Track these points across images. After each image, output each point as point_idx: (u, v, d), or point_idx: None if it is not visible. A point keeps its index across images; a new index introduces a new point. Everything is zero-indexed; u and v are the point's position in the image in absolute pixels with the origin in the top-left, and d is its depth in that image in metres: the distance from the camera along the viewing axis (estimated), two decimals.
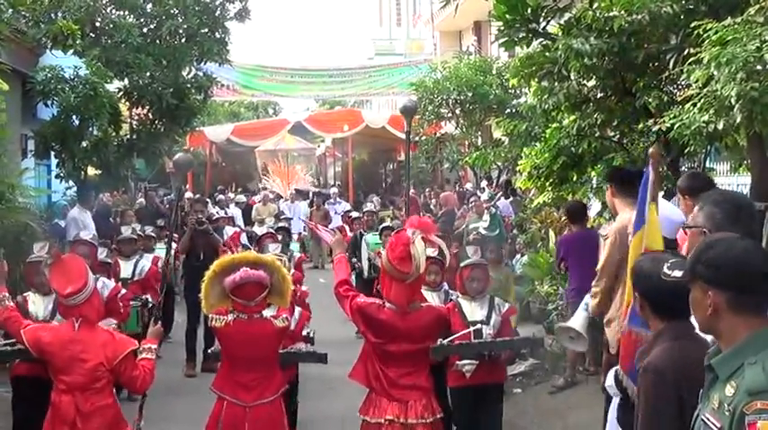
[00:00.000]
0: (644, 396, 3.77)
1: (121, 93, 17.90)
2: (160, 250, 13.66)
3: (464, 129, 23.33)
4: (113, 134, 17.66)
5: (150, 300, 11.48)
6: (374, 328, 6.18)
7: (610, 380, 5.06)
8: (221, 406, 6.57)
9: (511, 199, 19.25)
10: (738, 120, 6.39)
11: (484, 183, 22.49)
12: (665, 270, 3.71)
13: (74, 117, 15.61)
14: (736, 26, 6.52)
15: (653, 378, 3.73)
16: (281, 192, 30.22)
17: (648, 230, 4.94)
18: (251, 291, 6.49)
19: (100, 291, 8.88)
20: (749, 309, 3.20)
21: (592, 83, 9.85)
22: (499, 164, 20.82)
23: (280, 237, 12.48)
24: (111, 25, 17.62)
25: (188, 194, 24.45)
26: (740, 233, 4.10)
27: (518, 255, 14.81)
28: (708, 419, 3.18)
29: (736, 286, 3.19)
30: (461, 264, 7.84)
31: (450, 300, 7.79)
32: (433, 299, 7.91)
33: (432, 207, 24.51)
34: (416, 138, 25.95)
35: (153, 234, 13.77)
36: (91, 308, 6.20)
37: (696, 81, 6.77)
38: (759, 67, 6.16)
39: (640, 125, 9.29)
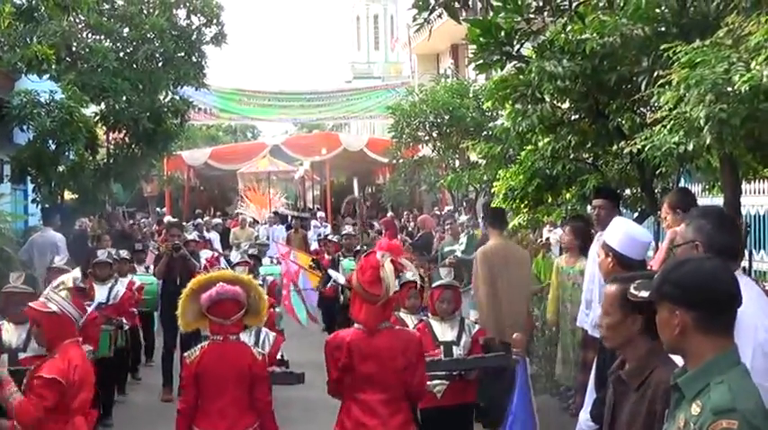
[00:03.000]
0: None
1: (98, 117, 17.85)
2: (141, 277, 13.69)
3: (441, 152, 23.37)
4: (90, 158, 17.60)
5: (125, 322, 11.48)
6: (344, 351, 6.17)
7: (585, 415, 5.04)
8: None
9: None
10: (708, 141, 6.43)
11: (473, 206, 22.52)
12: (632, 290, 3.72)
13: (50, 141, 15.55)
14: (705, 48, 6.58)
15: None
16: (256, 216, 30.24)
17: None
18: (227, 308, 6.51)
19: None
20: (716, 329, 3.21)
21: (566, 105, 9.91)
22: (476, 186, 20.86)
23: (252, 263, 12.46)
24: (87, 50, 17.56)
25: (167, 218, 24.45)
26: (731, 242, 4.16)
27: None
28: None
29: (704, 306, 3.21)
30: (432, 286, 7.87)
31: (421, 320, 7.79)
32: (412, 322, 7.93)
33: (410, 229, 24.52)
34: (394, 161, 26.04)
35: (127, 257, 13.73)
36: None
37: (666, 103, 6.81)
38: (728, 89, 6.20)
39: (614, 147, 9.34)
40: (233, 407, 6.54)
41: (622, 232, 5.66)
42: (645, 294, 3.60)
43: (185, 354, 6.77)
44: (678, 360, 3.47)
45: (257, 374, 6.65)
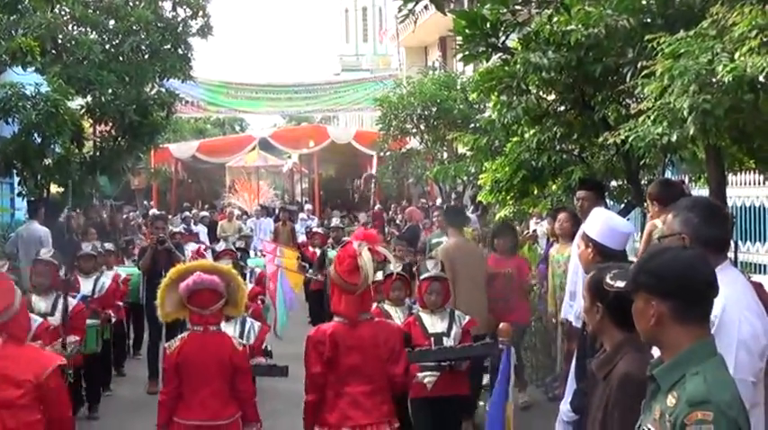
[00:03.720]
0: (624, 406, 3.75)
1: (84, 110, 17.77)
2: (125, 269, 13.64)
3: (428, 145, 23.36)
4: (76, 151, 17.52)
5: (112, 314, 11.46)
6: (327, 344, 6.15)
7: (566, 406, 5.03)
8: (176, 429, 6.54)
9: (478, 213, 19.27)
10: (692, 132, 6.43)
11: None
12: (608, 280, 3.70)
13: (35, 134, 15.44)
14: (688, 39, 6.58)
15: (634, 387, 3.68)
16: (246, 207, 30.20)
17: None
18: (206, 298, 6.52)
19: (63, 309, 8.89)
20: (692, 319, 3.19)
21: (551, 97, 9.91)
22: (464, 179, 20.86)
23: (239, 255, 12.43)
24: (73, 42, 17.49)
25: (152, 211, 24.40)
26: (718, 234, 4.14)
27: None
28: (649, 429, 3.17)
29: (680, 296, 3.18)
30: (420, 278, 7.85)
31: (411, 313, 7.78)
32: (396, 314, 7.94)
33: (398, 222, 24.51)
34: (382, 154, 26.01)
35: (112, 249, 13.67)
36: (17, 325, 6.04)
37: (650, 93, 6.81)
38: (711, 80, 6.21)
39: (600, 138, 9.33)
40: (214, 397, 6.54)
41: (602, 223, 5.65)
42: (621, 284, 3.58)
43: (165, 345, 6.78)
44: (655, 352, 3.46)
45: (238, 365, 6.65)
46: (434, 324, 7.60)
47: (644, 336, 3.36)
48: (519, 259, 10.70)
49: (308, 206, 30.65)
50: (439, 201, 24.37)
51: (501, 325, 6.07)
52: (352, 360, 6.12)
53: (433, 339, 7.44)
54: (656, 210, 7.24)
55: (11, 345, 5.87)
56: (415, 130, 23.39)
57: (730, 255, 8.87)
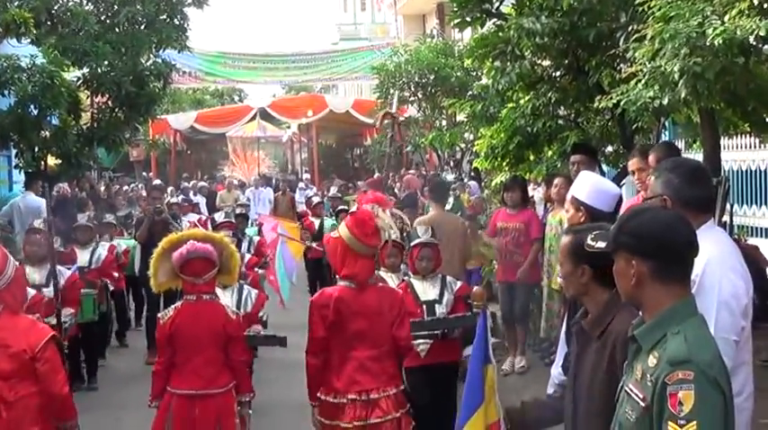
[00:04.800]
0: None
1: (80, 81, 17.70)
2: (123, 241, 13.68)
3: (426, 113, 23.30)
4: (73, 123, 17.46)
5: (110, 283, 11.50)
6: (332, 309, 6.17)
7: (558, 369, 5.05)
8: (169, 398, 6.61)
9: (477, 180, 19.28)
10: (683, 95, 6.43)
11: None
12: (589, 241, 3.72)
13: (32, 106, 15.41)
14: (679, 2, 6.55)
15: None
16: (244, 178, 30.17)
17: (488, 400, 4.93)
18: (199, 266, 6.55)
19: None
20: (673, 278, 3.21)
21: (546, 62, 9.90)
22: (462, 146, 20.83)
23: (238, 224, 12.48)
24: (68, 13, 17.35)
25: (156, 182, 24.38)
26: (700, 194, 4.15)
27: None
28: (631, 390, 3.19)
29: (660, 255, 3.20)
30: (411, 244, 7.87)
31: (403, 280, 7.81)
32: (391, 280, 7.96)
33: (396, 190, 24.48)
34: (375, 124, 25.93)
35: (112, 221, 13.70)
36: (9, 294, 6.00)
37: (642, 57, 6.81)
38: (702, 43, 6.19)
39: (594, 103, 9.33)
40: (208, 366, 6.58)
41: (590, 185, 5.68)
42: (602, 245, 3.60)
43: (159, 315, 6.80)
44: None
45: (231, 333, 6.69)
46: (426, 291, 7.63)
47: (625, 296, 3.38)
48: (529, 213, 10.55)
49: (306, 175, 30.64)
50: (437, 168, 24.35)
51: (474, 289, 6.09)
52: (359, 325, 6.16)
53: (425, 307, 7.46)
54: None
55: (5, 316, 5.84)
56: (412, 98, 23.33)
57: (726, 218, 8.96)
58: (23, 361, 5.73)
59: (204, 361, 6.57)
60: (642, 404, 3.10)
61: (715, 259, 3.77)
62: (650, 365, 3.11)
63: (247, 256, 11.17)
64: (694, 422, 2.92)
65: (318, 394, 6.27)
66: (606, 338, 3.91)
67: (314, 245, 14.87)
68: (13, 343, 5.73)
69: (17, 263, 6.16)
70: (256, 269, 11.58)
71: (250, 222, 17.51)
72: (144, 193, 23.36)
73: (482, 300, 5.52)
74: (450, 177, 21.01)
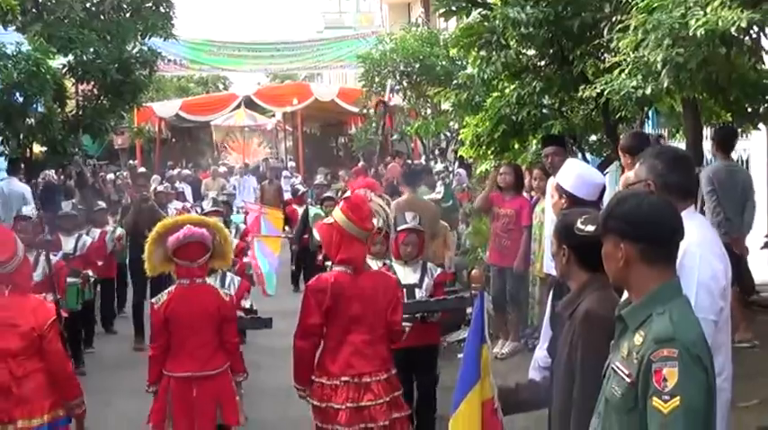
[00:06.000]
0: (586, 341, 3.91)
1: (66, 68, 17.71)
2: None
3: (411, 101, 23.35)
4: (59, 110, 17.48)
5: (92, 274, 11.52)
6: (328, 294, 6.23)
7: (542, 352, 5.14)
8: (167, 382, 6.68)
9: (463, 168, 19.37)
10: (666, 84, 6.54)
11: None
12: (579, 225, 3.82)
13: (17, 94, 15.44)
14: None
15: (596, 323, 3.86)
16: (238, 166, 30.17)
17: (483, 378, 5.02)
18: (193, 251, 6.63)
19: (45, 266, 8.95)
20: (659, 261, 3.34)
21: (530, 52, 9.98)
22: (447, 134, 20.89)
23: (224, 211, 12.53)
24: (54, 0, 17.42)
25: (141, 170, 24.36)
26: (684, 181, 4.26)
27: (462, 225, 14.90)
28: (618, 367, 3.30)
29: (647, 239, 3.32)
30: (398, 229, 7.95)
31: (385, 264, 7.90)
32: (377, 267, 8.03)
33: (381, 180, 24.51)
34: (365, 111, 25.97)
35: (104, 207, 13.74)
36: (21, 276, 6.16)
37: (625, 47, 6.91)
38: (684, 33, 6.29)
39: (579, 93, 9.43)
40: (203, 348, 6.67)
41: (575, 174, 5.77)
42: (591, 228, 3.70)
43: (153, 300, 6.87)
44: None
45: (225, 315, 6.78)
46: (407, 275, 7.72)
47: (613, 279, 3.52)
48: (521, 199, 10.53)
49: (291, 163, 30.64)
50: (425, 160, 24.39)
51: (473, 271, 6.20)
52: (355, 309, 6.24)
53: (405, 290, 7.54)
54: (628, 162, 7.37)
55: (16, 296, 6.05)
56: (398, 87, 23.38)
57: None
58: (32, 339, 5.92)
59: (199, 343, 6.65)
60: (628, 380, 3.22)
61: (695, 242, 3.88)
62: (636, 343, 3.23)
63: (235, 242, 11.23)
64: (678, 397, 3.04)
65: (312, 377, 6.34)
66: (574, 319, 4.04)
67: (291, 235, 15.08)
68: (23, 322, 5.92)
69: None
70: (246, 252, 11.71)
71: (236, 210, 17.53)
72: (129, 182, 23.40)
73: (480, 283, 5.62)
74: (438, 166, 21.11)
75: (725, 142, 9.13)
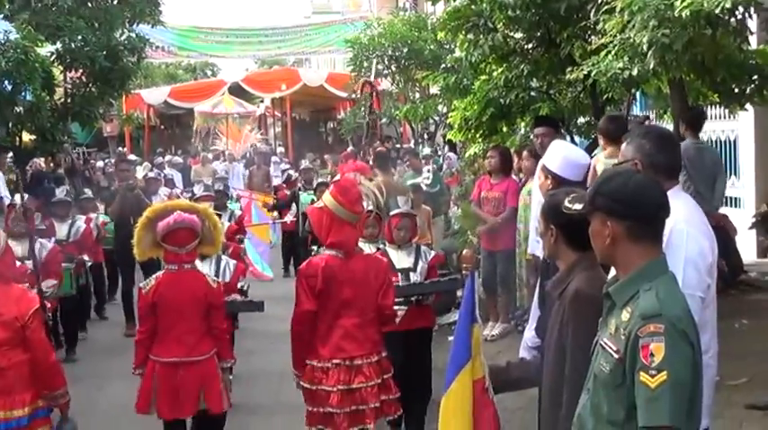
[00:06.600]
0: (577, 320, 3.95)
1: (54, 56, 17.65)
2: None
3: (399, 86, 23.37)
4: (47, 98, 17.42)
5: (87, 259, 11.56)
6: (319, 278, 6.24)
7: (531, 333, 5.18)
8: (153, 366, 6.72)
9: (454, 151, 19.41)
10: (652, 66, 6.59)
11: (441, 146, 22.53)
12: (567, 203, 3.86)
13: (6, 82, 15.40)
14: None
15: (586, 302, 3.89)
16: (235, 153, 30.15)
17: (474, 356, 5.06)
18: (183, 236, 6.65)
19: (38, 253, 8.95)
20: (646, 238, 3.38)
21: (518, 35, 10.01)
22: (435, 118, 20.92)
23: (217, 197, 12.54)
24: None
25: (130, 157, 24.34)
26: (670, 160, 4.31)
27: (453, 207, 14.95)
28: (606, 344, 3.35)
29: (634, 216, 3.37)
30: (390, 213, 7.98)
31: (378, 248, 7.94)
32: (370, 250, 8.07)
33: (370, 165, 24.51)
34: (353, 95, 25.97)
35: (91, 195, 13.74)
36: (3, 265, 6.07)
37: (612, 29, 6.95)
38: (670, 15, 6.34)
39: (566, 75, 9.47)
40: (190, 334, 6.69)
41: (561, 155, 5.82)
42: (578, 207, 3.75)
43: (140, 285, 6.90)
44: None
45: (212, 301, 6.80)
46: (401, 259, 7.74)
47: (600, 256, 3.56)
48: (510, 182, 10.48)
49: (279, 149, 30.64)
50: (414, 144, 24.42)
51: (464, 251, 6.24)
52: (346, 293, 6.26)
53: (400, 275, 7.59)
54: (603, 144, 7.46)
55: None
56: (386, 71, 23.39)
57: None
58: (15, 328, 5.79)
59: (186, 329, 6.67)
60: (616, 356, 3.27)
61: (682, 219, 3.93)
62: (623, 320, 3.28)
63: (227, 224, 11.26)
64: (665, 372, 3.09)
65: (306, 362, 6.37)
66: (563, 298, 4.09)
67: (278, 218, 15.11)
68: (5, 311, 5.79)
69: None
70: (238, 237, 11.78)
71: (234, 197, 17.54)
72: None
73: (470, 263, 5.67)
74: (426, 150, 21.14)
75: (694, 123, 9.19)
